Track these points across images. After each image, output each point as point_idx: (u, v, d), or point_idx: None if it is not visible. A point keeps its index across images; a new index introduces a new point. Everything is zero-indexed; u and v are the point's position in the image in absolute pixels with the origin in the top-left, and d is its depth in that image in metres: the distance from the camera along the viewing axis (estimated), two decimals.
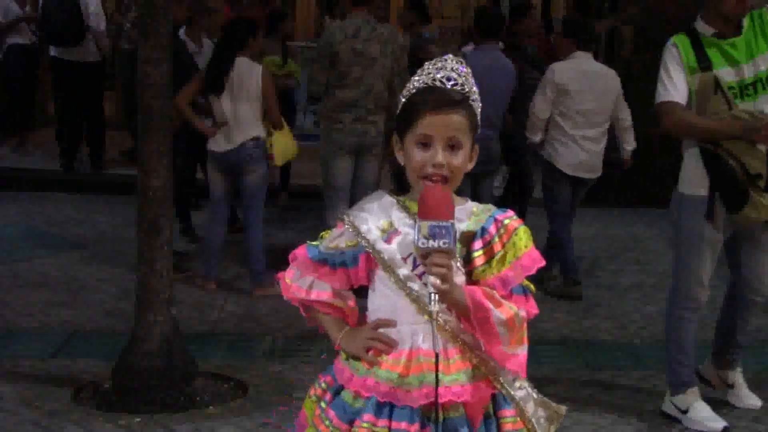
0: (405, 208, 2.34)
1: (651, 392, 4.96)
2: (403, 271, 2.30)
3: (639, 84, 9.50)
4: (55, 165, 9.87)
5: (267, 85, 6.37)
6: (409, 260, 2.30)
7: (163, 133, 4.59)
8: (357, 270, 2.37)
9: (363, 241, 2.33)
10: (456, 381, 2.25)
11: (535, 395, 2.39)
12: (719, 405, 4.79)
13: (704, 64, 4.33)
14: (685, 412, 4.54)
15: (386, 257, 2.31)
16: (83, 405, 4.58)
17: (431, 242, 2.12)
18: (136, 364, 4.59)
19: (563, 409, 2.45)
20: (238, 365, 5.15)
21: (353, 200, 6.43)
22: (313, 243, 2.45)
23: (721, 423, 4.49)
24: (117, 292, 6.31)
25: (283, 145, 6.60)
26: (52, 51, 9.69)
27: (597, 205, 9.43)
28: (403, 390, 2.26)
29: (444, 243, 2.12)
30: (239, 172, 6.36)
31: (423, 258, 2.17)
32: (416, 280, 2.29)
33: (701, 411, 4.53)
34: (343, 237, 2.38)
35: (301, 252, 2.45)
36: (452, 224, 2.15)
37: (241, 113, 6.30)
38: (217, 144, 6.35)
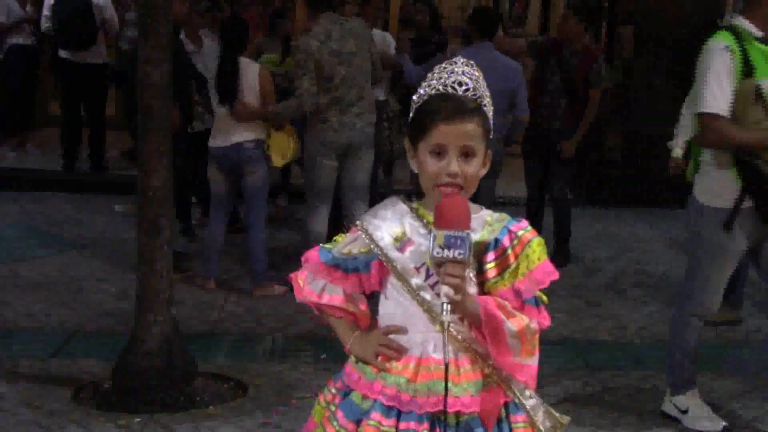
0: (419, 217, 2.33)
1: (651, 392, 4.97)
2: (416, 280, 2.30)
3: (639, 84, 9.54)
4: (55, 165, 9.87)
5: (265, 84, 6.36)
6: (422, 270, 2.29)
7: (163, 133, 4.59)
8: (369, 276, 2.36)
9: (376, 249, 2.33)
10: (465, 391, 2.25)
11: (543, 407, 2.40)
12: (719, 405, 4.80)
13: (747, 68, 4.15)
14: (685, 412, 4.54)
15: (399, 266, 2.31)
16: (83, 405, 4.58)
17: (446, 252, 2.11)
18: (136, 364, 4.59)
19: (566, 419, 2.45)
20: (238, 365, 5.15)
21: (343, 204, 6.42)
22: (327, 246, 2.45)
23: (720, 423, 4.49)
24: (117, 292, 6.31)
25: (282, 146, 6.55)
26: (61, 53, 9.70)
27: (597, 205, 9.45)
28: (408, 395, 2.26)
29: (459, 254, 2.11)
30: (240, 173, 6.36)
31: (437, 267, 2.17)
32: (428, 290, 2.29)
33: (701, 411, 4.53)
34: (356, 243, 2.37)
35: (313, 255, 2.44)
36: (468, 234, 2.14)
37: None
38: (215, 140, 6.38)
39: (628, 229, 8.73)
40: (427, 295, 2.29)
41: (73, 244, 7.54)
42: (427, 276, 2.28)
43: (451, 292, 2.13)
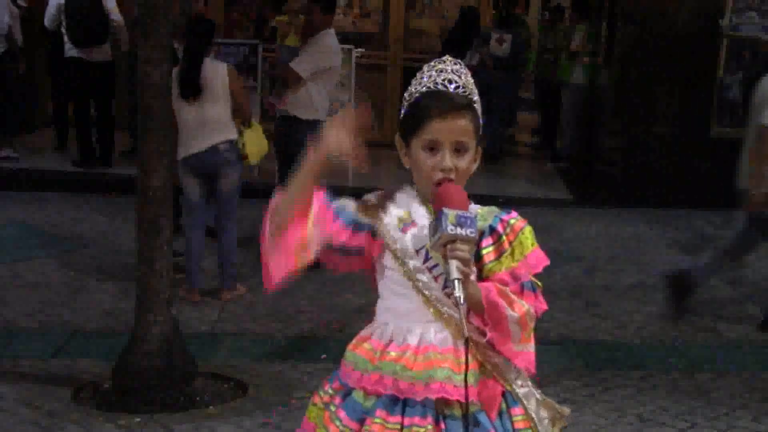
0: (424, 204, 2.36)
1: (651, 392, 4.97)
2: (414, 262, 2.32)
3: (639, 84, 9.54)
4: (55, 165, 9.88)
5: (234, 82, 6.25)
6: (421, 253, 2.32)
7: (163, 133, 4.60)
8: (356, 237, 2.34)
9: (381, 226, 2.35)
10: (461, 382, 2.26)
11: (538, 395, 2.41)
12: (719, 405, 4.80)
13: None
14: None
15: (399, 246, 2.33)
16: (83, 405, 4.58)
17: (459, 230, 2.14)
18: (136, 364, 4.59)
19: (567, 411, 2.46)
20: (238, 365, 5.15)
21: None
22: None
23: None
24: (117, 292, 6.30)
25: (256, 142, 6.47)
26: (69, 52, 9.70)
27: (597, 205, 9.45)
28: (406, 383, 2.28)
29: (471, 232, 2.15)
30: (214, 176, 6.21)
31: (443, 246, 2.16)
32: (426, 272, 2.31)
33: None
34: (353, 204, 2.38)
35: (320, 191, 2.37)
36: (475, 216, 2.20)
37: (209, 115, 6.15)
38: (186, 148, 6.16)
39: (628, 229, 8.72)
40: (424, 277, 2.31)
41: (73, 244, 7.54)
42: (426, 259, 2.31)
43: (460, 264, 2.14)
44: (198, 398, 4.66)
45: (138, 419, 4.42)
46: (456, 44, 10.61)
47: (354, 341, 2.42)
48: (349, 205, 2.39)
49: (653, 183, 9.44)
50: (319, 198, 2.35)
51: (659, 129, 9.46)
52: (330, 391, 2.43)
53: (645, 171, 9.49)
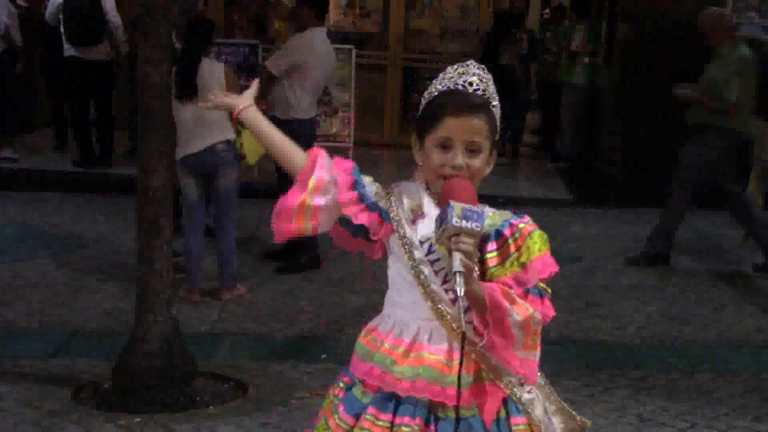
0: (432, 198, 2.37)
1: (651, 392, 4.97)
2: (417, 254, 2.33)
3: (639, 84, 9.54)
4: (55, 165, 9.88)
5: (231, 82, 6.21)
6: (425, 245, 2.33)
7: (163, 133, 4.60)
8: (361, 211, 2.37)
9: (393, 213, 2.36)
10: (452, 384, 2.25)
11: (554, 404, 2.40)
12: (719, 405, 4.80)
13: None
14: None
15: (407, 236, 2.34)
16: (83, 405, 4.58)
17: (464, 223, 2.14)
18: (136, 364, 4.59)
19: (588, 423, 2.44)
20: (238, 365, 5.15)
21: None
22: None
23: None
24: (117, 292, 6.30)
25: (254, 142, 6.45)
26: (68, 51, 9.71)
27: (597, 205, 9.45)
28: (392, 377, 2.30)
29: (476, 226, 2.15)
30: (212, 176, 6.19)
31: (448, 239, 2.16)
32: (428, 264, 2.32)
33: None
34: (379, 193, 2.41)
35: (349, 162, 2.45)
36: (482, 211, 2.20)
37: (206, 115, 6.08)
38: (184, 149, 6.13)
39: (628, 229, 8.72)
40: (425, 269, 2.32)
41: (73, 244, 7.54)
42: (429, 252, 2.32)
43: (464, 257, 2.14)
44: (198, 398, 4.66)
45: (138, 419, 4.42)
46: (493, 47, 10.71)
47: (363, 332, 2.46)
48: (370, 184, 2.42)
49: (653, 183, 9.43)
50: (323, 161, 2.41)
51: (659, 129, 9.46)
52: (341, 384, 2.46)
53: (645, 171, 9.49)
